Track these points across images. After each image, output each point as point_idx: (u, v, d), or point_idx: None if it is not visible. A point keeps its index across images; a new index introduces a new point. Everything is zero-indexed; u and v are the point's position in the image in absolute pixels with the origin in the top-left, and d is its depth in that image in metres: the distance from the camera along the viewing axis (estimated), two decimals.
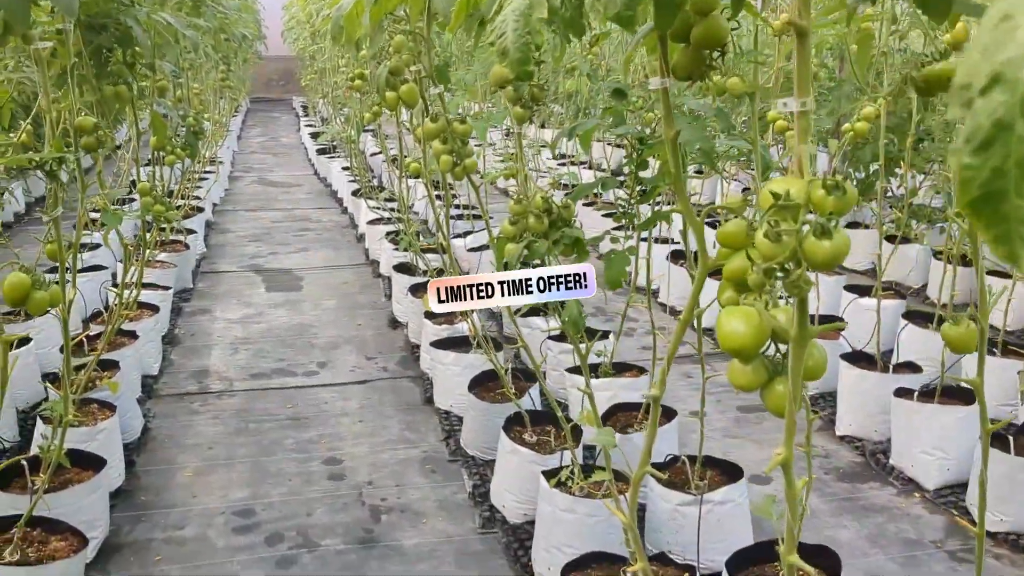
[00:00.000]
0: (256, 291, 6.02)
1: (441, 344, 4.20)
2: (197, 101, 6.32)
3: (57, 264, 2.50)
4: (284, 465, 3.59)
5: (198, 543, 3.05)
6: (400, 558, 2.98)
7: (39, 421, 3.23)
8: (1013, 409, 3.67)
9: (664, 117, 1.47)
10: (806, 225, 1.01)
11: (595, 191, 3.78)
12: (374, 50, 3.95)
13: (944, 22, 1.66)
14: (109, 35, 3.00)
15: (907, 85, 1.69)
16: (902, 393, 3.53)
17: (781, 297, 1.19)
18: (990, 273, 4.83)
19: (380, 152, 8.47)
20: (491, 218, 3.31)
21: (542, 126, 9.56)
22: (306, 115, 14.83)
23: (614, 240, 2.68)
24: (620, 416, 3.45)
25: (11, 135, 3.09)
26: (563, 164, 8.06)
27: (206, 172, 8.45)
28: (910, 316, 4.27)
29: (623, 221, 2.82)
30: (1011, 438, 3.08)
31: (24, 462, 2.82)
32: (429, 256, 5.17)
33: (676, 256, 5.63)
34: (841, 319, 4.32)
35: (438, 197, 4.70)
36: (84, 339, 3.82)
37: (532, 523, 3.09)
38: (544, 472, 2.90)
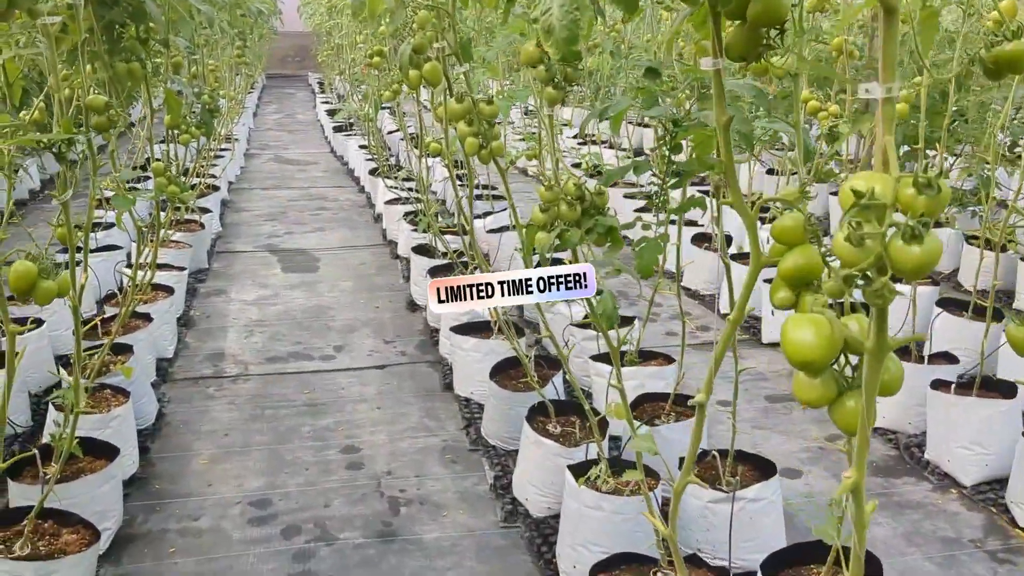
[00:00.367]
0: (272, 272, 5.93)
1: (461, 329, 4.10)
2: (212, 78, 6.21)
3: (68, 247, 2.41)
4: (301, 453, 3.51)
5: (213, 535, 2.98)
6: (420, 552, 2.90)
7: (51, 407, 3.15)
8: None
9: (715, 101, 1.36)
10: (892, 227, 0.90)
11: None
12: (395, 26, 3.84)
13: None
14: (121, 10, 2.88)
15: (975, 66, 1.56)
16: (938, 385, 3.41)
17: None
18: None
19: (398, 130, 8.36)
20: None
21: (562, 104, 9.40)
22: (322, 92, 14.70)
23: (645, 227, 2.57)
24: (647, 406, 3.34)
25: (24, 112, 3.00)
26: (583, 143, 7.91)
27: (222, 150, 8.36)
28: (943, 304, 4.14)
29: (655, 203, 2.70)
30: None
31: (36, 451, 2.75)
32: (448, 237, 5.06)
33: (700, 239, 5.50)
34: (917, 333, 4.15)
35: (459, 178, 4.59)
36: (99, 323, 3.74)
37: (556, 517, 3.00)
38: (570, 466, 2.80)
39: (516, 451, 3.32)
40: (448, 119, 2.64)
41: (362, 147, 8.65)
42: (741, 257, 4.84)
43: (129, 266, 4.52)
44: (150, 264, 4.00)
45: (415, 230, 5.51)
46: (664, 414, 3.27)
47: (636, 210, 6.02)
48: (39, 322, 3.80)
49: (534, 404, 3.28)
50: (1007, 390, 3.34)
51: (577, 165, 6.95)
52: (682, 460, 2.90)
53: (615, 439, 3.45)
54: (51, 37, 2.22)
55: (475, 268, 4.04)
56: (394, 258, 6.18)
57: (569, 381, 3.61)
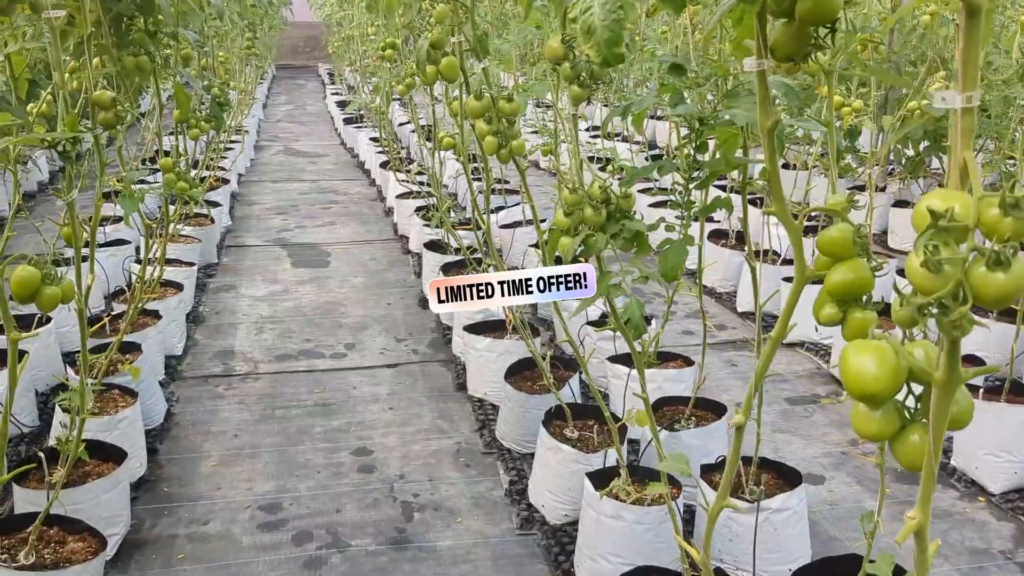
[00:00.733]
0: (282, 267, 5.86)
1: (474, 328, 4.03)
2: (222, 70, 6.13)
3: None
4: (311, 455, 3.44)
5: (222, 540, 2.91)
6: (434, 561, 2.82)
7: (58, 409, 3.08)
8: None
9: (760, 104, 1.27)
10: (974, 252, 0.81)
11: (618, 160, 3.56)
12: (409, 18, 3.75)
13: None
14: (129, 2, 2.80)
15: None
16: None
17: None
18: None
19: (409, 122, 8.27)
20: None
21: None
22: (332, 83, 14.61)
23: (669, 228, 2.48)
24: (666, 410, 3.26)
25: (32, 104, 2.92)
26: (595, 136, 7.81)
27: (232, 142, 8.29)
28: None
29: (678, 203, 2.61)
30: None
31: (41, 454, 2.68)
32: (460, 233, 4.98)
33: (716, 235, 5.41)
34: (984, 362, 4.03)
35: (473, 172, 4.50)
36: (107, 322, 3.68)
37: (573, 524, 2.92)
38: (588, 474, 2.72)
39: (531, 454, 3.24)
40: (466, 116, 2.55)
41: (373, 140, 8.57)
42: (757, 253, 4.75)
43: (138, 262, 4.46)
44: (159, 259, 3.93)
45: (427, 225, 5.43)
46: (684, 418, 3.18)
47: (650, 205, 5.93)
48: (47, 319, 3.73)
49: (550, 408, 3.20)
50: None
51: (592, 159, 6.86)
52: (703, 468, 2.84)
53: (632, 442, 3.38)
54: (56, 31, 2.14)
55: (490, 266, 3.95)
56: (405, 253, 6.10)
57: (585, 381, 3.53)
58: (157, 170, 5.17)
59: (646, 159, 6.42)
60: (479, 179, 5.75)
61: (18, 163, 3.78)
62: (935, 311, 0.85)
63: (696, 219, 2.62)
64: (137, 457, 3.18)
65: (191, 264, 5.01)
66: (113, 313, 3.99)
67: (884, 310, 3.36)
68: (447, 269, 4.80)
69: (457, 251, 4.90)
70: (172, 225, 4.45)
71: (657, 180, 6.58)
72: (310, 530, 2.96)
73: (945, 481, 3.31)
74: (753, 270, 2.58)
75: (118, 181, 2.79)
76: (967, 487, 3.26)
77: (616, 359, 3.61)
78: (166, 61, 3.71)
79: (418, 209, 5.96)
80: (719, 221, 5.62)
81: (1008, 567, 2.83)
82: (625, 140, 7.65)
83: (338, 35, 10.41)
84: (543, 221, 3.02)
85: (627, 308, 1.93)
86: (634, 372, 3.42)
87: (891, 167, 6.59)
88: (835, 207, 1.24)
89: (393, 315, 4.98)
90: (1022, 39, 3.30)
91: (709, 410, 3.24)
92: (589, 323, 3.90)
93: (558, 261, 2.02)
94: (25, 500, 2.69)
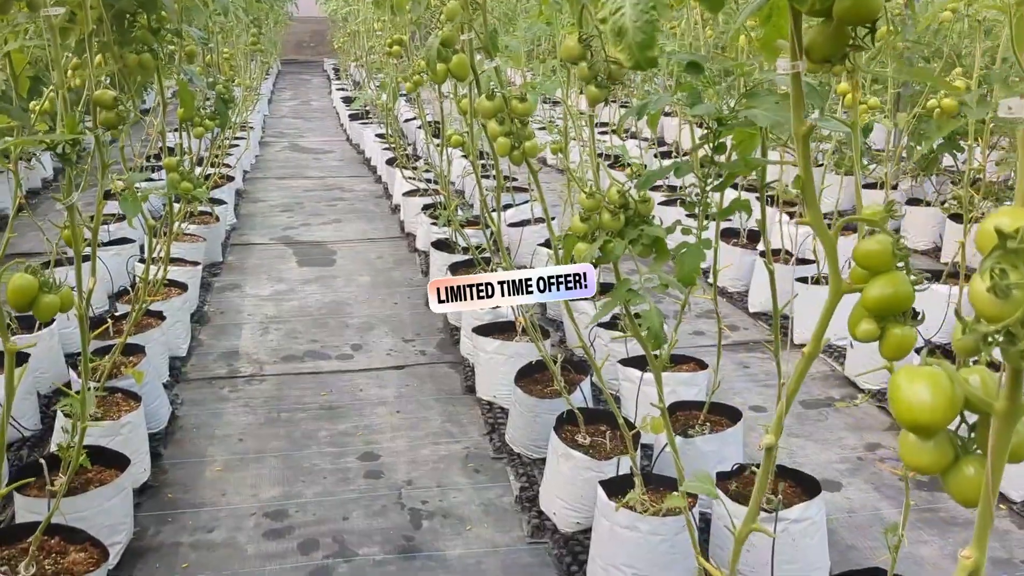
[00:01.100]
0: (287, 265, 5.80)
1: (483, 330, 3.96)
2: (227, 66, 6.07)
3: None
4: (318, 460, 3.38)
5: (227, 549, 2.85)
6: (443, 570, 2.76)
7: (59, 414, 3.03)
8: None
9: (794, 108, 1.20)
10: None
11: (634, 164, 3.50)
12: (417, 14, 3.68)
13: None
14: None
15: None
16: None
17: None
18: None
19: (415, 118, 8.19)
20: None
21: (580, 92, 9.21)
22: (338, 78, 14.55)
23: (685, 231, 2.41)
24: (680, 415, 3.19)
25: (34, 102, 2.86)
26: (604, 133, 7.73)
27: (237, 138, 8.23)
28: None
29: (694, 205, 2.54)
30: None
31: (42, 461, 2.62)
32: (468, 231, 4.91)
33: (727, 234, 5.34)
34: None
35: (482, 168, 4.42)
36: (110, 323, 3.62)
37: (585, 533, 2.86)
38: (602, 482, 2.65)
39: (542, 460, 3.18)
40: (477, 116, 2.48)
41: (379, 136, 8.50)
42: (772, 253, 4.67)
43: (142, 261, 4.40)
44: (163, 259, 3.87)
45: (435, 223, 5.36)
46: (698, 424, 3.12)
47: (660, 203, 5.86)
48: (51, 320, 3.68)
49: (561, 413, 3.13)
50: None
51: (600, 155, 6.78)
52: (718, 475, 2.77)
53: (645, 447, 3.31)
54: (55, 29, 2.07)
55: (499, 265, 3.89)
56: (412, 252, 6.04)
57: (596, 384, 3.46)
58: (161, 168, 5.11)
59: (655, 156, 6.35)
60: (487, 176, 5.69)
61: (20, 160, 3.73)
62: (1001, 339, 0.78)
63: (712, 221, 2.56)
64: (140, 462, 3.12)
65: (196, 263, 4.95)
66: (117, 314, 3.94)
67: None
68: (455, 269, 4.73)
69: (465, 250, 4.83)
70: (176, 224, 4.38)
71: (666, 178, 6.51)
72: (316, 538, 2.90)
73: None
74: (771, 273, 2.51)
75: (119, 182, 2.72)
76: None
77: (628, 362, 3.54)
78: (170, 58, 3.65)
79: (425, 207, 5.89)
80: (730, 220, 5.54)
81: None
82: (633, 136, 7.57)
83: (344, 30, 10.34)
84: (552, 219, 2.96)
85: (647, 317, 1.86)
86: (647, 376, 3.36)
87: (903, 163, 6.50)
88: (873, 216, 1.17)
89: (400, 315, 4.91)
90: None
91: (723, 415, 3.17)
92: (600, 324, 3.84)
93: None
94: (26, 508, 2.63)
